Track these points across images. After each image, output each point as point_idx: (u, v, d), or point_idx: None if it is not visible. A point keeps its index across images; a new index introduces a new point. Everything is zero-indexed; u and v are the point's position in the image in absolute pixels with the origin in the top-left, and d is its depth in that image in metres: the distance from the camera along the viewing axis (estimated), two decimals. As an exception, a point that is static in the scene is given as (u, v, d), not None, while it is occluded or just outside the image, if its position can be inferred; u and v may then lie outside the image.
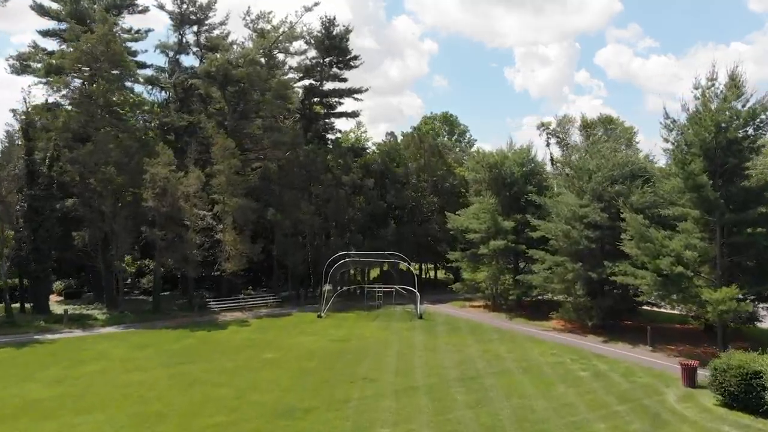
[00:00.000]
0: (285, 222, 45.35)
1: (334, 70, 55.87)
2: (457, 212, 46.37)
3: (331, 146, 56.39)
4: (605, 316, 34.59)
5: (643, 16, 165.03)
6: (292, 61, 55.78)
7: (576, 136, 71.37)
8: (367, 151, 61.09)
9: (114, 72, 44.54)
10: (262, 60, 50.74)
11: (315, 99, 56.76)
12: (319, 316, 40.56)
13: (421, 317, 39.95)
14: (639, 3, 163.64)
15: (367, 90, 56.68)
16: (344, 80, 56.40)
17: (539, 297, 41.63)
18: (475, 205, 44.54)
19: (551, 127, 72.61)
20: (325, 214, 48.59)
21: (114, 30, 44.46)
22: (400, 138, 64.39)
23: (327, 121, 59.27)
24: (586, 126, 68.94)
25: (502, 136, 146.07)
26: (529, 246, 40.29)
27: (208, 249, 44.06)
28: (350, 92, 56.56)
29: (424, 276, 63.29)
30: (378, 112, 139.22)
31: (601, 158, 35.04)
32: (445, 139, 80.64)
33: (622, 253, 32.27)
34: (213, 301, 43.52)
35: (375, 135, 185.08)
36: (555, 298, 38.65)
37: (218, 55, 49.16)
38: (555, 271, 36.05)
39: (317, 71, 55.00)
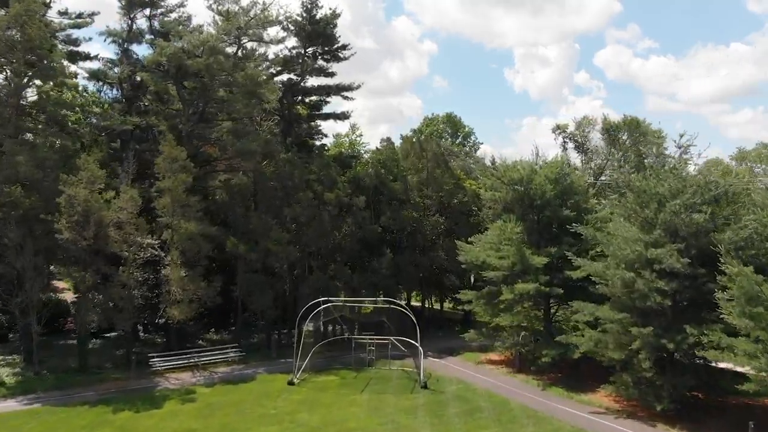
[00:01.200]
0: (250, 254, 35.49)
1: (319, 62, 46.01)
2: (469, 239, 36.64)
3: (315, 154, 46.47)
4: (680, 396, 24.97)
5: (642, 17, 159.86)
6: (269, 52, 46.16)
7: (598, 140, 63.37)
8: (360, 159, 51.04)
9: (48, 63, 35.47)
10: (228, 50, 41.08)
11: (296, 97, 47.05)
12: (291, 383, 30.86)
13: (425, 386, 30.23)
14: (638, 3, 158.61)
15: (359, 87, 46.84)
16: (331, 75, 46.58)
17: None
18: (493, 231, 34.74)
19: (568, 130, 63.94)
20: (303, 242, 38.59)
21: (33, 9, 34.72)
22: (398, 143, 54.15)
23: (312, 123, 49.66)
24: (609, 129, 60.60)
25: (502, 138, 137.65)
26: (567, 288, 30.87)
27: (152, 288, 34.57)
28: (338, 89, 46.72)
29: (427, 306, 53.50)
30: (378, 113, 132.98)
31: (675, 179, 25.26)
32: (449, 141, 70.75)
33: (704, 312, 23.05)
34: (157, 356, 33.71)
35: (375, 136, 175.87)
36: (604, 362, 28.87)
37: (174, 43, 39.54)
38: (609, 330, 26.41)
39: (298, 63, 45.28)
